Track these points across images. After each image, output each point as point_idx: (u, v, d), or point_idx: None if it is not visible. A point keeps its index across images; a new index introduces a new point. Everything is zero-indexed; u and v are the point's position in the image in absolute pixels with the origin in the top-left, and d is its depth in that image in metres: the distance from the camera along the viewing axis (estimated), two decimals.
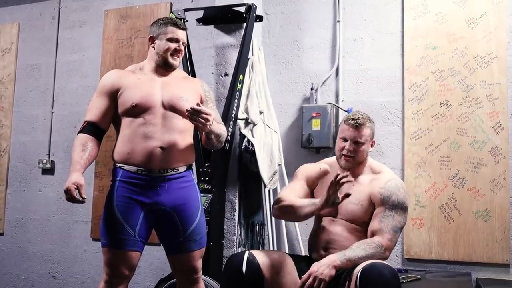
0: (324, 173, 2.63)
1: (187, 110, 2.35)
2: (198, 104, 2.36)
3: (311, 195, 2.63)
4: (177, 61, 2.58)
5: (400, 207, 2.40)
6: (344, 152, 2.47)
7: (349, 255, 2.28)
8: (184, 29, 2.61)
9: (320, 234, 2.53)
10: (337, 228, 2.48)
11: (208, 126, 2.38)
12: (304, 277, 2.25)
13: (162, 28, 2.57)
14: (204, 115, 2.34)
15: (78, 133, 2.48)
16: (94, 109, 2.52)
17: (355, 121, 2.46)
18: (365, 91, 3.60)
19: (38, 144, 4.46)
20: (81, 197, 2.31)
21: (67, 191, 2.29)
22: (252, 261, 2.31)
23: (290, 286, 2.34)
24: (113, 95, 2.51)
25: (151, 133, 2.41)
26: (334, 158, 2.67)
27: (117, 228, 2.43)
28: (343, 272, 2.30)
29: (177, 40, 2.55)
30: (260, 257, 2.36)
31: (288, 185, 2.73)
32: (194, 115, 2.34)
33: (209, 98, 2.66)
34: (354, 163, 2.49)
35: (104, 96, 2.52)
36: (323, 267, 2.24)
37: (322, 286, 2.20)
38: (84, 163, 2.39)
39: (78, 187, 2.30)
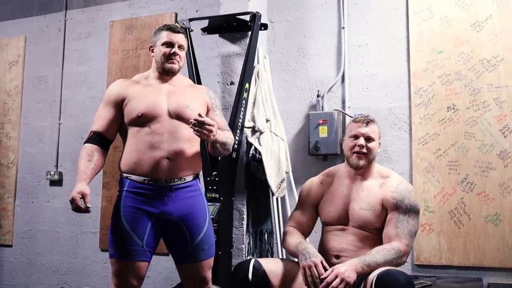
0: (329, 184, 2.63)
1: (190, 122, 2.35)
2: (200, 115, 2.34)
3: (316, 210, 2.64)
4: (175, 65, 2.54)
5: (413, 211, 2.40)
6: (357, 149, 2.48)
7: (369, 260, 2.26)
8: (180, 32, 2.57)
9: (331, 242, 2.51)
10: (348, 237, 2.46)
11: (212, 137, 2.38)
12: (330, 277, 2.20)
13: (157, 35, 2.57)
14: (208, 126, 2.34)
15: (84, 143, 2.48)
16: (100, 119, 2.53)
17: (366, 118, 2.53)
18: (371, 97, 3.59)
19: (45, 155, 4.48)
20: (86, 206, 2.29)
21: (72, 201, 2.28)
22: (258, 269, 2.32)
23: None
24: (119, 105, 2.51)
25: (158, 143, 2.41)
26: (337, 166, 2.69)
27: (125, 238, 2.43)
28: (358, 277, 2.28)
29: (171, 44, 2.53)
30: (267, 264, 2.37)
31: (293, 213, 2.74)
32: (197, 126, 2.33)
33: (215, 105, 2.65)
34: (367, 160, 2.49)
35: (110, 106, 2.52)
36: (349, 270, 2.21)
37: None
38: (90, 173, 2.39)
39: (83, 196, 2.28)
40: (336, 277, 2.18)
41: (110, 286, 2.51)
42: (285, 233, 2.64)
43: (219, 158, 3.25)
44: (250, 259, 2.38)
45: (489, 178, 3.27)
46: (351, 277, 2.19)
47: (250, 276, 2.30)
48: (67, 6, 4.62)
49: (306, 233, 2.68)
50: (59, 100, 4.51)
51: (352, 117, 3.49)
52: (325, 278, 2.21)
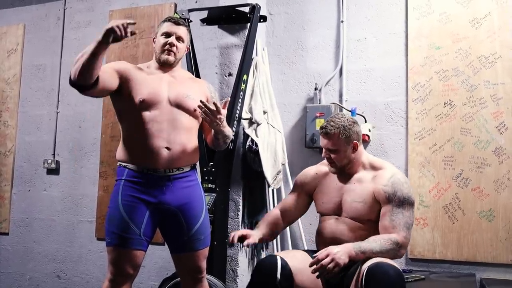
0: (324, 175, 2.66)
1: (199, 106, 2.36)
2: (214, 103, 2.39)
3: (310, 199, 2.71)
4: (171, 57, 2.52)
5: (407, 203, 2.39)
6: (324, 160, 2.58)
7: (365, 247, 2.27)
8: (181, 24, 2.56)
9: (325, 231, 2.55)
10: (341, 227, 2.48)
11: (219, 121, 2.41)
12: (322, 255, 2.21)
13: (160, 26, 2.58)
14: (219, 115, 2.38)
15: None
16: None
17: (323, 130, 2.50)
18: (369, 91, 3.60)
19: (43, 144, 4.48)
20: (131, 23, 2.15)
21: (112, 28, 2.12)
22: (285, 267, 2.30)
23: (310, 286, 2.33)
24: (121, 77, 2.46)
25: (157, 132, 2.41)
26: None
27: (122, 227, 2.43)
28: (353, 266, 2.29)
29: (168, 35, 2.52)
30: (291, 261, 2.35)
31: (287, 197, 2.84)
32: (208, 113, 2.36)
33: (214, 100, 2.66)
34: (336, 168, 2.54)
35: (113, 70, 2.46)
36: (341, 252, 2.22)
37: (336, 270, 2.19)
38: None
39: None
40: (327, 256, 2.20)
41: (107, 274, 2.52)
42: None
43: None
44: (275, 257, 2.35)
45: (484, 174, 3.29)
46: (342, 259, 2.20)
47: (278, 276, 2.29)
48: None
49: (290, 219, 2.77)
50: (57, 89, 4.51)
51: (350, 111, 3.51)
52: (318, 256, 2.23)
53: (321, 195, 2.61)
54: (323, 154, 2.54)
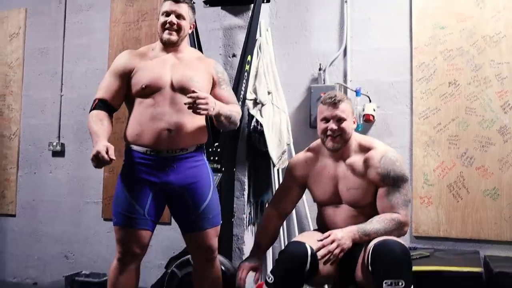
0: (313, 162, 2.58)
1: (185, 103, 2.32)
2: (193, 91, 2.32)
3: (303, 189, 2.66)
4: (172, 36, 2.51)
5: (401, 181, 2.35)
6: (329, 132, 2.40)
7: (369, 229, 2.26)
8: (181, 2, 2.53)
9: (325, 219, 2.53)
10: (342, 214, 2.46)
11: (211, 109, 2.35)
12: (326, 240, 2.21)
13: (161, 6, 2.56)
14: (201, 100, 2.30)
15: (90, 111, 2.49)
16: (105, 88, 2.53)
17: (333, 99, 2.41)
18: (373, 71, 3.60)
19: (48, 127, 4.50)
20: (110, 158, 2.23)
21: (97, 155, 2.21)
22: (314, 256, 2.24)
23: (324, 270, 2.31)
24: (126, 76, 2.51)
25: (159, 115, 2.42)
26: (319, 141, 2.57)
27: (127, 207, 2.46)
28: (360, 245, 2.29)
29: (168, 13, 2.51)
30: (314, 246, 2.27)
31: (276, 193, 2.81)
32: (192, 104, 2.29)
33: (222, 80, 2.63)
34: (342, 141, 2.42)
35: (116, 77, 2.52)
36: (345, 237, 2.22)
37: (340, 255, 2.20)
38: (107, 133, 2.38)
39: (107, 149, 2.23)
40: (333, 242, 2.20)
41: (115, 254, 2.56)
42: (262, 219, 2.81)
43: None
44: (304, 245, 2.27)
45: (489, 153, 3.31)
46: (346, 244, 2.21)
47: (308, 266, 2.24)
48: None
49: (287, 214, 2.77)
50: (60, 72, 4.50)
51: (354, 91, 3.52)
52: (322, 240, 2.22)
53: (316, 186, 2.55)
54: (330, 126, 2.39)
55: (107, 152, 2.21)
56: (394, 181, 2.34)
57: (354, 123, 2.47)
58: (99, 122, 2.43)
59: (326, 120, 2.41)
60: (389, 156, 2.38)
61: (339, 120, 2.40)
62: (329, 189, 2.49)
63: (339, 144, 2.42)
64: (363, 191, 2.41)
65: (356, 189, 2.41)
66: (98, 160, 2.23)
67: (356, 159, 2.44)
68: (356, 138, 2.49)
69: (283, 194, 2.71)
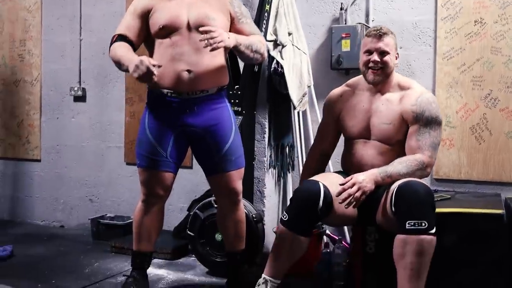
0: (350, 95, 2.60)
1: (200, 40, 2.30)
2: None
3: (336, 123, 2.65)
4: None
5: (434, 122, 2.38)
6: (371, 65, 2.43)
7: (391, 171, 2.28)
8: None
9: (353, 155, 2.53)
10: (370, 150, 2.48)
11: (226, 40, 2.31)
12: (348, 184, 2.23)
13: None
14: (213, 33, 2.27)
15: (110, 44, 2.48)
16: (124, 26, 2.53)
17: (378, 31, 2.43)
18: (396, 10, 3.50)
19: (68, 71, 4.51)
20: (155, 64, 2.26)
21: (141, 63, 2.24)
22: (327, 195, 2.28)
23: (346, 211, 2.31)
24: (145, 16, 2.50)
25: (178, 55, 2.42)
26: (358, 77, 2.62)
27: (150, 149, 2.51)
28: (381, 188, 2.30)
29: None
30: (329, 187, 2.31)
31: (316, 137, 2.83)
32: (207, 40, 2.27)
33: (240, 13, 2.60)
34: (383, 75, 2.44)
35: (135, 17, 2.51)
36: (367, 180, 2.24)
37: (363, 198, 2.22)
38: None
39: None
40: (354, 185, 2.23)
41: (140, 195, 2.62)
42: (306, 160, 2.84)
43: (241, 72, 3.26)
44: (318, 183, 2.30)
45: None
46: (368, 186, 2.23)
47: (320, 204, 2.25)
48: None
49: (327, 153, 2.76)
50: (78, 16, 4.46)
51: None
52: (343, 184, 2.25)
53: (348, 118, 2.58)
54: (373, 58, 2.41)
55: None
56: (427, 121, 2.37)
57: (396, 58, 2.49)
58: (125, 47, 2.43)
59: (369, 52, 2.44)
60: (426, 96, 2.42)
61: (382, 53, 2.41)
62: (361, 122, 2.51)
63: (380, 77, 2.44)
64: (395, 127, 2.42)
65: (388, 124, 2.43)
66: (143, 69, 2.23)
67: (393, 95, 2.47)
68: (396, 76, 2.52)
69: (322, 133, 2.74)
